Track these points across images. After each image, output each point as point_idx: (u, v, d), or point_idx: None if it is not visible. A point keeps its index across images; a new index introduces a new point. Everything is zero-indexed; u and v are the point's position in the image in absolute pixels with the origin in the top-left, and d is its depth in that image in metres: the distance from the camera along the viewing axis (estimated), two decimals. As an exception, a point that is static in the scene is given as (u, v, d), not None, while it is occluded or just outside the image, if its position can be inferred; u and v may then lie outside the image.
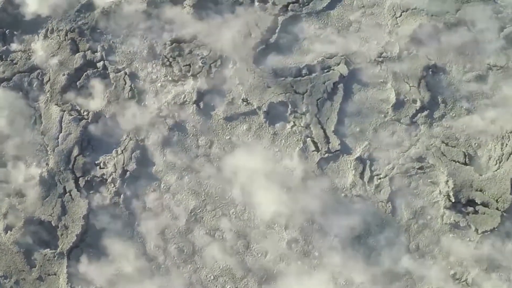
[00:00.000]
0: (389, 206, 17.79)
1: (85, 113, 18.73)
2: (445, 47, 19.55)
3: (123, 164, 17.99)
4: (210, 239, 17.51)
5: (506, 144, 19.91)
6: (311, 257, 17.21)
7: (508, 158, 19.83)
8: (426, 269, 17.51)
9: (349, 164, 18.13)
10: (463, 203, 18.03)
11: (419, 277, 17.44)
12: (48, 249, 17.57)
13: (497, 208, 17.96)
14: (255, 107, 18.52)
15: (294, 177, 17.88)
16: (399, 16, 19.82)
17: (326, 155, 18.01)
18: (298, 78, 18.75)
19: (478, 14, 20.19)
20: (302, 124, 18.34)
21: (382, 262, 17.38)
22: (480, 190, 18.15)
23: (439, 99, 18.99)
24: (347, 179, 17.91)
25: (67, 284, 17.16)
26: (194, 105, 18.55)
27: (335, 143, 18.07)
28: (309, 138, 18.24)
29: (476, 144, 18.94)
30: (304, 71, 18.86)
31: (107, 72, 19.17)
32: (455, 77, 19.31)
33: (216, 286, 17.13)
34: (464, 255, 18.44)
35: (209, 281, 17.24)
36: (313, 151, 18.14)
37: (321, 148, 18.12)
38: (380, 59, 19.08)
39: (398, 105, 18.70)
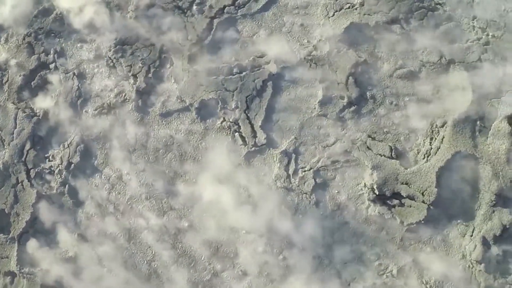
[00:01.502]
0: (313, 198, 18.06)
1: (37, 111, 20.04)
2: (377, 44, 19.56)
3: (69, 157, 19.19)
4: (145, 226, 18.34)
5: (435, 139, 19.05)
6: (236, 243, 17.77)
7: (436, 152, 20.36)
8: (350, 260, 17.64)
9: (274, 157, 18.52)
10: (388, 196, 18.06)
11: (342, 268, 17.61)
12: (1, 234, 18.98)
13: (423, 201, 18.00)
14: (187, 104, 19.28)
15: (223, 169, 18.46)
16: (332, 16, 19.93)
17: (253, 148, 18.60)
18: (229, 77, 19.38)
19: (412, 12, 19.97)
20: (231, 120, 18.96)
21: (306, 253, 17.57)
22: (406, 183, 18.12)
23: (368, 95, 19.03)
24: (272, 172, 18.35)
25: (17, 265, 18.49)
26: (133, 102, 19.52)
27: (261, 137, 18.61)
28: (237, 133, 18.80)
29: (405, 139, 18.72)
30: (235, 70, 19.45)
31: (58, 72, 20.31)
32: (386, 74, 19.30)
33: (148, 270, 18.07)
34: (390, 246, 17.99)
35: (142, 264, 18.13)
36: (240, 145, 18.71)
37: (248, 142, 18.67)
38: (310, 57, 19.35)
39: (326, 101, 18.90)
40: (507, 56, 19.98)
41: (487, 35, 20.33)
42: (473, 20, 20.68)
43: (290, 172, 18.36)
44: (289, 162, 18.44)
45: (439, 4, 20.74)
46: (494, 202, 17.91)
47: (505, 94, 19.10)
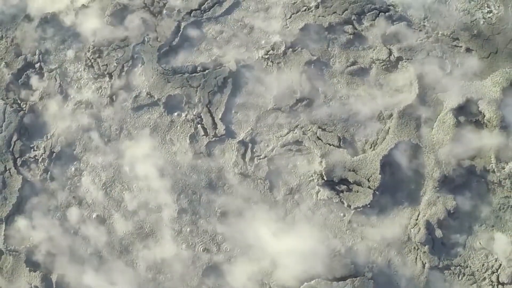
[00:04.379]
0: (267, 183, 20.50)
1: (24, 106, 22.91)
2: (330, 43, 22.05)
3: (51, 147, 21.97)
4: (117, 208, 21.08)
5: (382, 129, 21.16)
6: (198, 224, 20.45)
7: (382, 142, 21.44)
8: (302, 241, 19.96)
9: (233, 146, 21.04)
10: (336, 182, 20.45)
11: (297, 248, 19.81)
12: None
13: (368, 187, 20.26)
14: (156, 99, 21.98)
15: (186, 157, 21.16)
16: (289, 18, 22.44)
17: (214, 139, 21.23)
18: (193, 74, 21.96)
19: (365, 13, 22.54)
20: (194, 113, 21.56)
21: (260, 233, 20.12)
22: (353, 170, 20.43)
23: (320, 90, 21.51)
24: (230, 159, 20.94)
25: (3, 244, 21.23)
26: (109, 98, 22.30)
27: (221, 129, 21.23)
28: (199, 125, 21.42)
29: (354, 130, 21.18)
30: (199, 68, 22.06)
31: (43, 71, 23.27)
32: (338, 70, 21.66)
33: (120, 248, 20.69)
34: (338, 228, 20.36)
35: (116, 243, 20.79)
36: (202, 135, 21.31)
37: (210, 133, 21.30)
38: (267, 56, 21.93)
39: (280, 95, 21.39)
40: (454, 52, 22.91)
41: (437, 33, 23.26)
42: (424, 19, 23.67)
43: (247, 160, 20.77)
44: (246, 151, 20.93)
45: (391, 5, 23.52)
46: (437, 188, 20.06)
47: (451, 88, 21.41)
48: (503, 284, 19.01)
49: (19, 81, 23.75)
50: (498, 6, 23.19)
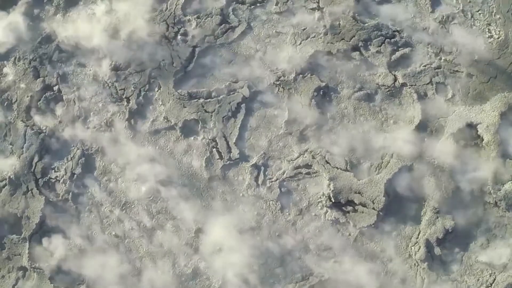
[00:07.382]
0: (278, 205, 22.86)
1: (44, 128, 24.81)
2: (338, 70, 24.14)
3: (72, 169, 24.00)
4: (136, 228, 23.34)
5: (386, 154, 23.42)
6: (215, 244, 22.71)
7: (386, 165, 23.88)
8: (311, 258, 22.60)
9: (246, 169, 23.24)
10: (343, 203, 22.69)
11: (306, 266, 22.28)
12: (14, 235, 23.79)
13: (373, 208, 22.54)
14: (172, 123, 24.09)
15: (202, 180, 23.49)
16: (299, 44, 24.55)
17: (228, 162, 23.39)
18: (208, 100, 24.09)
19: (371, 40, 24.58)
20: (209, 137, 23.69)
21: (272, 252, 22.66)
22: (359, 193, 22.65)
23: (328, 116, 23.66)
24: (244, 182, 23.25)
25: (28, 261, 23.23)
26: (127, 121, 24.20)
27: (235, 153, 23.43)
28: (214, 149, 23.56)
29: (360, 154, 23.37)
30: (213, 94, 24.12)
31: (61, 94, 25.14)
32: (345, 96, 23.78)
33: (140, 265, 22.98)
34: (344, 246, 22.72)
35: (135, 260, 23.07)
36: (217, 159, 23.44)
37: (224, 156, 23.50)
38: (278, 82, 24.04)
39: (291, 121, 23.58)
40: (456, 78, 25.17)
41: (440, 59, 25.45)
42: (427, 45, 25.84)
43: (259, 182, 23.03)
44: (258, 174, 23.20)
45: (397, 31, 25.59)
46: (437, 209, 22.29)
47: (451, 114, 23.65)
48: (496, 297, 21.41)
49: (38, 104, 25.67)
50: (499, 31, 25.17)
